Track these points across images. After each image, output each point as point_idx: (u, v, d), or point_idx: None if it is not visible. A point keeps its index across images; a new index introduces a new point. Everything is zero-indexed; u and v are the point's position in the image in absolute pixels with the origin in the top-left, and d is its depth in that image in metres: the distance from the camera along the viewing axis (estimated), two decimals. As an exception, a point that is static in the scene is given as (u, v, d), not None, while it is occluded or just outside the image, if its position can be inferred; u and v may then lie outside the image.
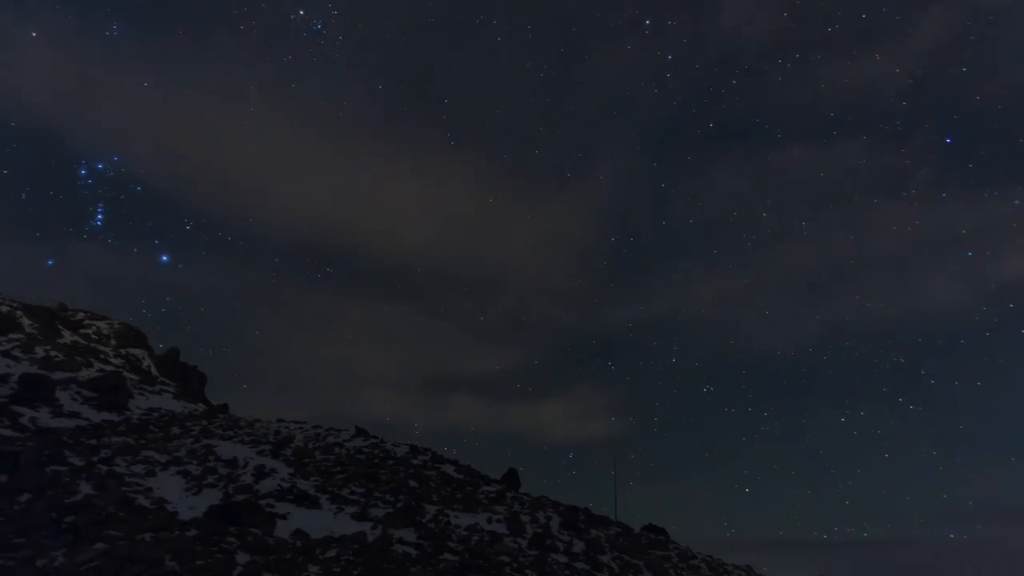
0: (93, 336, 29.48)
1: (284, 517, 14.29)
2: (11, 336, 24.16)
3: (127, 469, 15.05)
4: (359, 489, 17.48)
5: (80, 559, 9.74)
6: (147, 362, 29.79)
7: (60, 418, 18.17)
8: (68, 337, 27.79)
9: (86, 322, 30.54)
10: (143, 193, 68.34)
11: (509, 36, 77.85)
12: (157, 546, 10.71)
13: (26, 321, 26.31)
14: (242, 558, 11.27)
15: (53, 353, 24.22)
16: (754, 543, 54.27)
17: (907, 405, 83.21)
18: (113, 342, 29.80)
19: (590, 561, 15.27)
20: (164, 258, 58.72)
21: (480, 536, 15.22)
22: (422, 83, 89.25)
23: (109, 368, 25.61)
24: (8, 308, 26.63)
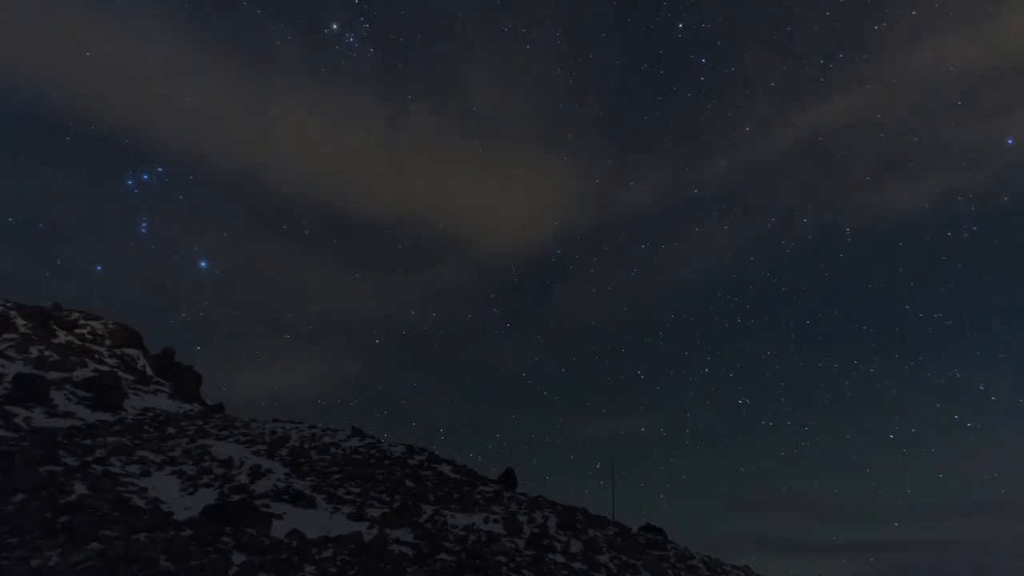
0: (88, 336, 29.34)
1: (280, 517, 14.23)
2: (5, 336, 24.02)
3: (122, 469, 14.98)
4: (355, 489, 17.43)
5: (75, 559, 9.68)
6: (142, 362, 29.68)
7: (55, 418, 18.07)
8: (63, 337, 27.66)
9: (81, 322, 30.41)
10: (184, 202, 71.38)
11: (538, 43, 78.77)
12: (152, 546, 10.64)
13: (20, 321, 26.17)
14: (238, 558, 11.21)
15: (48, 353, 24.10)
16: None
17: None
18: (108, 342, 29.68)
19: (587, 561, 15.25)
20: (202, 263, 61.52)
21: (477, 536, 15.18)
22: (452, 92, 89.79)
23: (104, 368, 25.49)
24: (2, 308, 26.50)
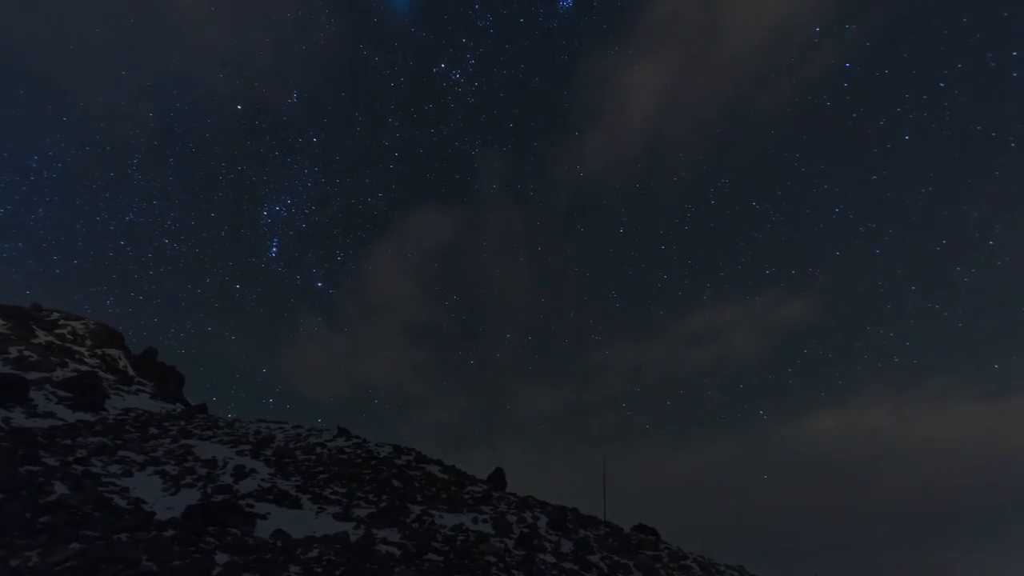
0: (68, 336, 28.89)
1: (264, 517, 14.02)
2: (-17, 335, 23.60)
3: (103, 469, 14.70)
4: (341, 489, 17.23)
5: (55, 559, 9.44)
6: (123, 362, 29.27)
7: (34, 418, 17.73)
8: (43, 337, 27.21)
9: (61, 322, 29.94)
10: (306, 230, 79.02)
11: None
12: (134, 546, 10.41)
13: (-1, 320, 25.72)
14: (221, 558, 11.00)
15: (27, 353, 23.69)
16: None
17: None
18: (89, 342, 29.24)
19: (578, 561, 15.14)
20: (319, 284, 69.98)
21: (466, 536, 15.04)
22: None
23: (84, 368, 25.10)
24: (-20, 307, 26.03)
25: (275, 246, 70.31)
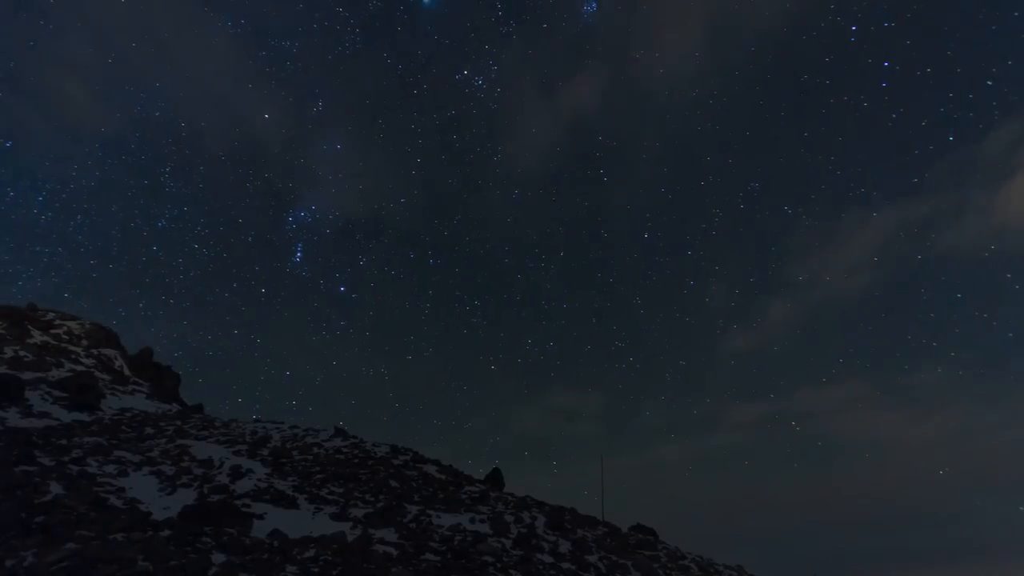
0: (64, 336, 28.78)
1: (261, 517, 13.97)
2: (-22, 335, 23.49)
3: (99, 469, 14.63)
4: (338, 489, 17.19)
5: (50, 559, 9.39)
6: (119, 362, 29.16)
7: (30, 418, 17.65)
8: (38, 337, 27.10)
9: (56, 322, 29.82)
10: (330, 235, 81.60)
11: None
12: (129, 546, 10.36)
13: (-6, 320, 25.61)
14: (217, 558, 10.95)
15: (23, 353, 23.60)
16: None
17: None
18: (84, 342, 29.13)
19: (576, 561, 15.11)
20: (341, 288, 70.91)
21: (463, 536, 15.00)
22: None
23: (80, 368, 25.00)
24: (-25, 307, 25.90)
25: (299, 251, 71.51)
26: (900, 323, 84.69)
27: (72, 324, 30.14)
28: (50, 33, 64.23)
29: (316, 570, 11.47)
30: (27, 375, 21.34)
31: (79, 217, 64.38)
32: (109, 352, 29.49)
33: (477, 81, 73.41)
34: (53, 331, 28.69)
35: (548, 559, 14.84)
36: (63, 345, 27.72)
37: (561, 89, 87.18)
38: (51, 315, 30.50)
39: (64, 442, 15.81)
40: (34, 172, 64.44)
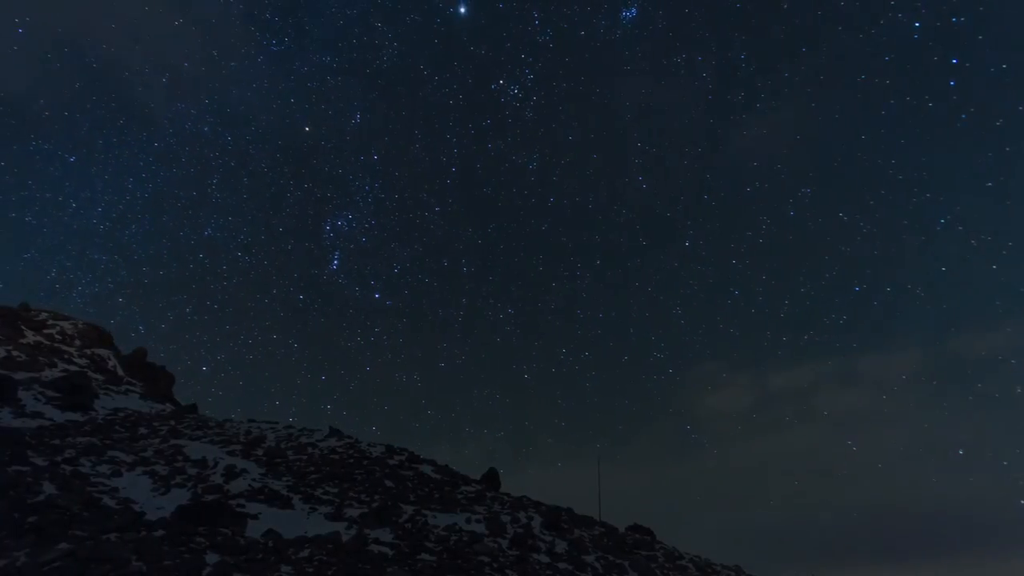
0: (57, 336, 28.63)
1: (255, 517, 13.90)
2: (-30, 335, 23.34)
3: (92, 469, 14.54)
4: (333, 489, 17.12)
5: (44, 559, 9.32)
6: (113, 362, 29.03)
7: (23, 418, 17.55)
8: (31, 337, 26.95)
9: (50, 322, 29.66)
10: (367, 243, 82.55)
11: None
12: (123, 546, 10.30)
13: (-14, 320, 25.45)
14: (211, 558, 10.90)
15: (15, 353, 23.47)
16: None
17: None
18: (78, 342, 28.98)
19: (573, 561, 15.09)
20: (376, 295, 73.89)
21: (459, 536, 14.96)
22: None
23: (73, 368, 24.88)
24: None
25: (336, 259, 74.29)
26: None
27: (65, 324, 29.98)
28: (112, 56, 69.43)
29: (311, 570, 11.42)
30: (20, 375, 21.22)
31: (133, 227, 68.68)
32: (102, 352, 29.34)
33: (513, 90, 74.69)
34: (46, 331, 28.54)
35: (544, 559, 14.82)
36: (56, 345, 27.58)
37: (597, 96, 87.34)
38: (44, 315, 30.33)
39: (57, 442, 15.72)
40: (94, 185, 68.63)
